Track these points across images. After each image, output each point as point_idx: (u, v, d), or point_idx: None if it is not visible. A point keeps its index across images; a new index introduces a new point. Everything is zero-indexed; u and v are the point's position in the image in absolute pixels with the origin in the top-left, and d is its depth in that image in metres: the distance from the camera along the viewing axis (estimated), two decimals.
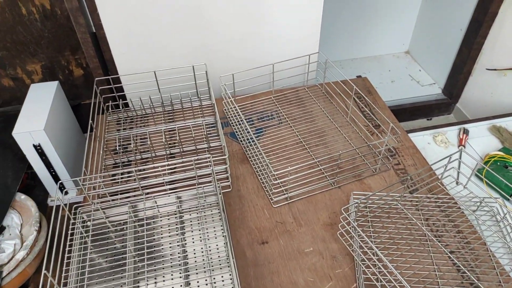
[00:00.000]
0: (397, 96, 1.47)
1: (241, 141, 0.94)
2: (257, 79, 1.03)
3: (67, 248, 0.68)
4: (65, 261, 0.66)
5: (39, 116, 0.84)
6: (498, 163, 0.88)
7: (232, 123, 0.99)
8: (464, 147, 0.97)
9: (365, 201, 0.76)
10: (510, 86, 1.22)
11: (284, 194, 0.81)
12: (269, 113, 1.02)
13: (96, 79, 0.99)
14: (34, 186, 0.97)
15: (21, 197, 0.84)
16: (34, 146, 0.83)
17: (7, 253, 0.73)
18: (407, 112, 1.45)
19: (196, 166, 0.76)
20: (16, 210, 0.82)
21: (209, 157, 0.75)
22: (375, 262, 0.64)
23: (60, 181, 0.74)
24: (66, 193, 0.93)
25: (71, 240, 0.70)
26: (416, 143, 0.96)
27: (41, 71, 1.38)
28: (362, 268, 0.66)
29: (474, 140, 1.00)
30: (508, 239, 0.72)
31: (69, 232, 0.71)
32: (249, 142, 0.92)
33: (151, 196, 0.75)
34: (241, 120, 0.99)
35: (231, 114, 1.00)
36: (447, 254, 0.69)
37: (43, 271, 0.57)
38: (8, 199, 0.82)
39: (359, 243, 0.66)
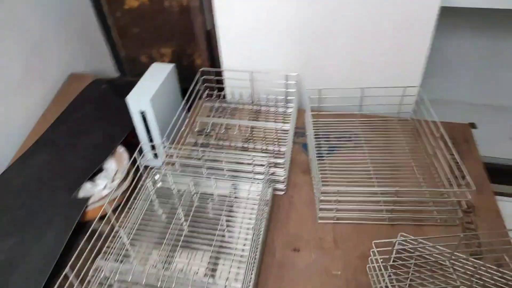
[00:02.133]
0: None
1: (311, 154, 0.96)
2: (347, 99, 1.04)
3: (133, 199, 0.80)
4: (127, 208, 0.78)
5: (150, 89, 0.99)
6: None
7: (308, 134, 1.02)
8: None
9: (406, 245, 0.71)
10: None
11: (333, 213, 0.81)
12: (348, 135, 1.02)
13: (202, 69, 1.13)
14: (137, 145, 1.16)
15: (120, 149, 1.01)
16: (140, 112, 0.99)
17: (98, 188, 0.90)
18: None
19: (255, 163, 0.82)
20: (115, 159, 0.99)
21: (265, 157, 0.79)
22: None
23: (140, 144, 0.87)
24: (156, 156, 1.07)
25: (138, 192, 0.83)
26: (505, 209, 0.85)
27: (170, 55, 1.61)
28: None
29: None
30: None
31: (141, 186, 0.83)
32: (319, 156, 0.94)
33: (211, 177, 0.83)
34: (317, 135, 1.01)
35: (309, 126, 1.03)
36: None
37: (105, 205, 0.69)
38: (111, 148, 1.00)
39: (383, 283, 0.63)
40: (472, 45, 1.29)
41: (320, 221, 0.80)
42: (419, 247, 0.72)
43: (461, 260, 0.71)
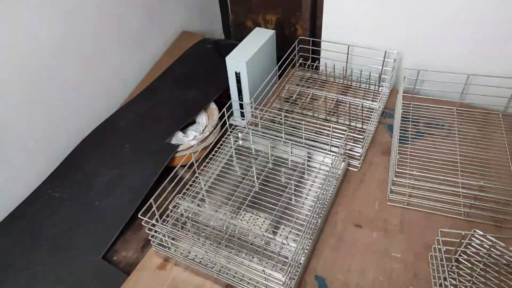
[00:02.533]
0: None
1: (394, 135, 0.93)
2: (448, 86, 0.97)
3: (215, 152, 0.89)
4: (210, 156, 0.87)
5: (248, 52, 1.05)
6: None
7: (395, 116, 0.98)
8: None
9: (479, 242, 0.67)
10: None
11: (405, 197, 0.79)
12: (441, 122, 0.96)
13: (300, 37, 1.14)
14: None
15: (212, 105, 1.10)
16: (235, 73, 1.06)
17: (188, 138, 1.01)
18: None
19: (334, 136, 0.83)
20: (206, 113, 1.09)
21: (346, 131, 0.80)
22: None
23: (230, 101, 0.94)
24: (243, 115, 1.15)
25: (220, 147, 0.91)
26: None
27: (275, 22, 1.65)
28: None
29: None
30: None
31: (224, 142, 0.91)
32: (402, 140, 0.91)
33: (288, 142, 0.87)
34: (407, 118, 0.97)
35: (398, 107, 0.99)
36: None
37: (188, 151, 0.78)
38: (204, 104, 1.10)
39: (441, 274, 0.61)
40: None
41: (389, 203, 0.79)
42: (492, 248, 0.67)
43: None
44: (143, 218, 0.65)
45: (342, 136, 0.83)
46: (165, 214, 0.75)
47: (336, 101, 1.04)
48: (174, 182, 0.74)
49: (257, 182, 0.82)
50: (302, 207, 0.79)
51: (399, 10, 0.99)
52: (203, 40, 1.34)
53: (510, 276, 0.65)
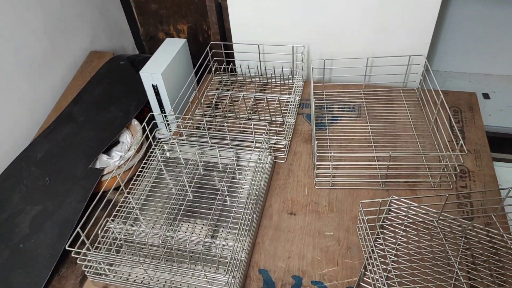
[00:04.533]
0: None
1: (312, 123, 0.99)
2: (352, 70, 1.06)
3: (142, 169, 0.87)
4: (138, 176, 0.85)
5: (162, 63, 1.04)
6: None
7: (311, 106, 1.04)
8: None
9: (397, 206, 0.75)
10: None
11: (329, 179, 0.85)
12: (352, 105, 1.04)
13: (211, 42, 1.16)
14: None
15: (134, 122, 1.08)
16: (153, 85, 1.05)
17: (114, 160, 0.97)
18: None
19: (256, 132, 0.86)
20: (130, 131, 1.07)
21: (265, 125, 0.84)
22: (379, 266, 0.65)
23: (150, 113, 0.93)
24: (166, 127, 1.14)
25: (147, 162, 0.89)
26: (502, 174, 0.86)
27: (187, 31, 1.65)
28: (365, 264, 0.67)
29: None
30: None
31: (150, 157, 0.90)
32: (320, 127, 0.97)
33: (215, 146, 0.89)
34: (321, 105, 1.04)
35: (311, 97, 1.06)
36: None
37: (114, 173, 0.76)
38: (125, 122, 1.07)
39: (369, 242, 0.67)
40: (486, 12, 1.24)
41: (317, 187, 0.84)
42: (409, 209, 0.75)
43: (450, 220, 0.73)
44: (72, 249, 0.62)
45: (263, 130, 0.87)
46: (97, 241, 0.72)
47: (255, 100, 1.07)
48: (103, 206, 0.72)
49: (189, 190, 0.82)
50: (237, 206, 0.81)
51: (300, 6, 1.05)
52: (115, 57, 1.30)
53: (427, 231, 0.73)
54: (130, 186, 0.83)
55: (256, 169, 0.79)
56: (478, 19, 1.26)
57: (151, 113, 0.92)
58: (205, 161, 0.90)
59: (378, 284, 0.62)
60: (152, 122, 0.91)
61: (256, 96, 1.08)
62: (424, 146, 0.90)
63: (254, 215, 0.75)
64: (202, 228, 0.78)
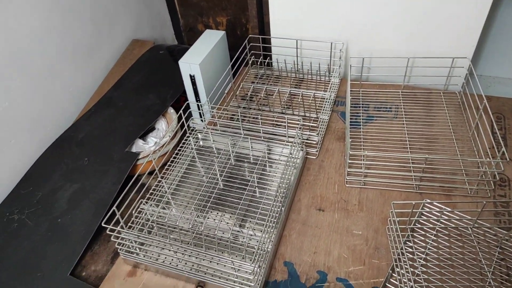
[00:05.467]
0: None
1: (346, 121, 0.98)
2: (392, 70, 1.03)
3: (176, 155, 0.89)
4: (170, 160, 0.87)
5: (200, 54, 1.06)
6: None
7: (346, 104, 1.03)
8: None
9: (430, 210, 0.73)
10: None
11: (361, 178, 0.84)
12: (388, 105, 1.02)
13: (250, 36, 1.17)
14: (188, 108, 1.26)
15: (170, 110, 1.10)
16: (190, 76, 1.07)
17: (149, 145, 1.01)
18: None
19: (289, 127, 0.86)
20: (165, 119, 1.10)
21: (299, 120, 0.84)
22: (408, 269, 0.64)
23: (186, 102, 0.95)
24: (201, 116, 1.16)
25: (181, 150, 0.92)
26: None
27: (226, 24, 1.67)
28: (394, 268, 0.66)
29: None
30: None
31: (182, 143, 0.92)
32: (354, 125, 0.96)
33: (248, 138, 0.90)
34: (357, 104, 1.03)
35: (348, 95, 1.04)
36: None
37: (150, 158, 0.79)
38: (162, 110, 1.10)
39: (398, 244, 0.66)
40: None
41: (347, 185, 0.84)
42: (442, 215, 0.73)
43: (485, 228, 0.71)
44: (107, 226, 0.65)
45: (297, 125, 0.87)
46: (131, 221, 0.75)
47: (290, 94, 1.07)
48: (137, 189, 0.74)
49: (220, 179, 0.83)
50: (266, 198, 0.82)
51: (340, 2, 1.04)
52: (155, 46, 1.34)
53: (459, 238, 0.71)
54: (163, 171, 0.86)
55: (287, 163, 0.79)
56: None
57: (187, 101, 0.94)
58: (237, 152, 0.91)
59: (405, 287, 0.61)
60: (188, 111, 0.93)
61: (291, 91, 1.08)
62: (462, 151, 0.87)
63: (282, 208, 0.75)
64: (230, 217, 0.79)
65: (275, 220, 0.71)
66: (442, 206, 0.73)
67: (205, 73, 1.04)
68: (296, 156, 0.86)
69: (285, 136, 0.90)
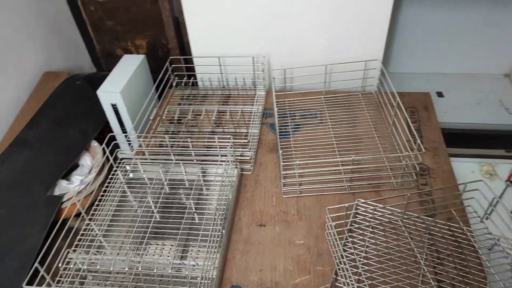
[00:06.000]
0: (478, 120, 1.33)
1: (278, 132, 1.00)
2: (312, 78, 1.07)
3: (104, 192, 0.84)
4: (98, 198, 0.82)
5: (120, 81, 1.02)
6: None
7: (274, 115, 1.05)
8: (511, 183, 0.87)
9: (363, 209, 0.76)
10: None
11: (296, 187, 0.85)
12: (313, 112, 1.06)
13: (171, 57, 1.15)
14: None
15: (94, 144, 1.04)
16: (112, 105, 1.02)
17: (74, 185, 0.93)
18: (485, 139, 1.31)
19: (221, 145, 0.85)
20: (90, 154, 1.03)
21: (229, 138, 0.83)
22: (349, 270, 0.66)
23: (110, 134, 0.90)
24: (129, 146, 1.11)
25: (109, 185, 0.86)
26: (459, 169, 0.90)
27: (146, 46, 1.63)
28: (336, 269, 0.68)
29: None
30: None
31: (110, 177, 0.87)
32: (284, 135, 0.98)
33: (180, 163, 0.87)
34: (284, 114, 1.05)
35: (274, 106, 1.06)
36: (434, 285, 0.66)
37: (74, 200, 0.73)
38: (84, 143, 1.03)
39: (338, 247, 0.68)
40: (435, 15, 1.31)
41: (284, 196, 0.85)
42: (375, 211, 0.76)
43: (414, 219, 0.75)
44: (30, 287, 0.59)
45: (227, 143, 0.86)
46: (59, 274, 0.68)
47: (218, 112, 1.07)
48: (63, 236, 0.68)
49: (155, 210, 0.80)
50: (206, 222, 0.80)
51: (257, 18, 1.06)
52: (70, 77, 1.26)
53: (393, 231, 0.74)
54: (92, 212, 0.80)
55: (223, 183, 0.78)
56: (428, 21, 1.32)
57: (111, 133, 0.89)
58: (170, 179, 0.88)
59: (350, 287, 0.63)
60: (113, 143, 0.88)
61: (218, 109, 1.08)
62: (385, 147, 0.93)
63: (223, 231, 0.74)
64: (171, 248, 0.76)
65: (217, 244, 0.70)
66: (374, 204, 0.76)
67: (127, 100, 1.00)
68: (231, 175, 0.86)
69: (218, 156, 0.89)
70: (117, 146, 1.04)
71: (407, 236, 0.73)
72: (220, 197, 0.76)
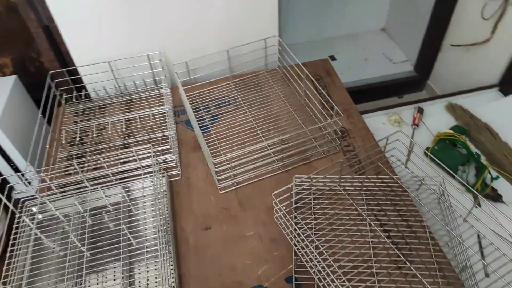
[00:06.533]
0: (370, 75, 1.45)
1: (195, 128, 0.94)
2: (216, 65, 1.03)
3: (11, 242, 0.70)
4: (8, 254, 0.68)
5: None
6: (447, 142, 0.88)
7: (187, 111, 0.99)
8: (417, 126, 0.96)
9: (302, 184, 0.77)
10: (473, 62, 1.20)
11: (232, 180, 0.82)
12: (226, 99, 1.02)
13: (50, 72, 1.00)
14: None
15: None
16: None
17: None
18: (378, 91, 1.44)
19: (140, 157, 0.77)
20: None
21: (150, 147, 0.76)
22: (307, 244, 0.66)
23: (1, 177, 0.75)
24: (28, 184, 0.95)
25: (17, 234, 0.72)
26: (371, 123, 0.96)
27: (11, 64, 1.39)
28: (295, 249, 0.67)
29: (430, 118, 1.00)
30: (447, 218, 0.73)
31: (15, 226, 0.73)
32: (203, 129, 0.93)
33: (97, 188, 0.77)
34: (197, 108, 1.00)
35: (185, 102, 1.00)
36: (383, 234, 0.70)
37: None
38: None
39: (291, 227, 0.67)
40: None
41: (222, 192, 0.81)
42: (312, 185, 0.78)
43: (349, 180, 0.79)
44: None
45: (148, 153, 0.79)
46: None
47: (125, 122, 0.97)
48: None
49: (85, 248, 0.69)
50: (147, 245, 0.72)
51: (143, 13, 0.97)
52: None
53: (336, 197, 0.77)
54: (4, 274, 0.66)
55: (154, 196, 0.71)
56: None
57: (2, 177, 0.74)
58: (91, 209, 0.77)
59: (312, 260, 0.63)
60: (8, 186, 0.73)
61: (125, 118, 0.97)
62: (303, 119, 0.95)
63: (169, 247, 0.67)
64: (115, 280, 0.67)
65: (165, 264, 0.63)
66: (311, 177, 0.78)
67: (8, 132, 0.85)
68: (160, 185, 0.78)
69: (140, 169, 0.80)
70: (12, 189, 0.88)
71: (348, 198, 0.75)
72: (154, 212, 0.69)
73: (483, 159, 0.88)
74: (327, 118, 0.91)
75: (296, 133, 0.85)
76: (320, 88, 1.04)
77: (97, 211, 0.78)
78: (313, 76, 1.07)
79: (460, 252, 0.68)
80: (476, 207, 0.64)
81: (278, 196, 0.67)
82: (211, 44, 1.07)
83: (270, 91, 1.04)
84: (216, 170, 0.79)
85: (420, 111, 1.00)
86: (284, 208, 0.68)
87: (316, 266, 0.62)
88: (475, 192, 0.63)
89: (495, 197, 0.79)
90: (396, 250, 0.68)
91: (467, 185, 0.71)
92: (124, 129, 0.94)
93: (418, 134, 0.96)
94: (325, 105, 0.98)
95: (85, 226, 0.74)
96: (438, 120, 0.99)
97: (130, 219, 0.76)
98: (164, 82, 1.04)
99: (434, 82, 1.43)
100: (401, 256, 0.67)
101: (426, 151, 0.87)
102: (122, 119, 0.94)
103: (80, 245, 0.69)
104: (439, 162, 0.74)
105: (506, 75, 1.04)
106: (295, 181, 0.76)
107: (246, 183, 0.82)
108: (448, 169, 0.81)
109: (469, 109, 1.00)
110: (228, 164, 0.81)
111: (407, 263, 0.66)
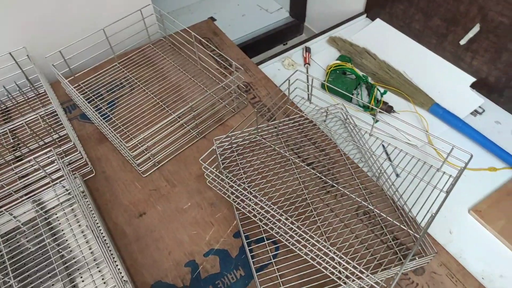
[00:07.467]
0: (251, 29, 1.48)
1: (94, 120, 0.87)
2: (95, 48, 0.94)
3: None
4: None
5: None
6: (338, 71, 0.96)
7: (79, 104, 0.91)
8: (309, 64, 1.03)
9: (223, 144, 0.78)
10: None
11: (151, 160, 0.79)
12: (118, 82, 0.96)
13: None
14: None
15: None
16: None
17: None
18: (264, 43, 1.48)
19: (43, 166, 0.69)
20: None
21: (51, 150, 0.68)
22: (247, 196, 0.68)
23: None
24: None
25: None
26: (269, 72, 0.99)
27: None
28: (235, 205, 0.69)
29: (317, 55, 1.08)
30: (355, 138, 0.82)
31: None
32: (104, 119, 0.86)
33: (1, 211, 0.67)
34: (89, 98, 0.92)
35: (74, 94, 0.91)
36: (307, 168, 0.76)
37: None
38: None
39: (226, 185, 0.68)
40: None
41: (145, 175, 0.78)
42: (233, 140, 0.79)
43: (264, 128, 0.82)
44: None
45: (51, 158, 0.71)
46: None
47: (10, 132, 0.84)
48: None
49: (13, 281, 0.61)
50: (82, 253, 0.67)
51: None
52: None
53: (257, 147, 0.79)
54: None
55: (72, 202, 0.65)
56: None
57: None
58: (1, 235, 0.68)
59: (254, 209, 0.66)
60: None
61: (9, 129, 0.85)
62: (205, 83, 0.94)
63: (106, 245, 0.64)
64: None
65: (109, 263, 0.60)
66: (229, 135, 0.79)
67: None
68: (75, 187, 0.72)
69: (47, 177, 0.72)
70: None
71: (269, 144, 0.79)
72: (77, 217, 0.63)
73: (370, 80, 0.99)
74: (227, 76, 0.92)
75: (202, 98, 0.84)
76: (213, 48, 1.03)
77: (11, 235, 0.68)
78: (202, 38, 1.06)
79: (373, 163, 0.77)
80: (376, 121, 0.73)
81: (204, 161, 0.68)
82: (84, 26, 0.97)
83: (162, 63, 1.00)
84: (133, 154, 0.75)
85: (308, 50, 1.06)
86: (212, 172, 0.69)
87: (259, 212, 0.65)
88: (374, 107, 0.71)
89: (388, 109, 0.90)
90: (322, 177, 0.74)
91: (365, 103, 0.79)
92: (12, 140, 0.82)
93: (311, 71, 1.03)
94: (223, 63, 0.98)
95: (3, 254, 0.65)
96: (324, 54, 1.07)
97: (53, 231, 0.69)
98: (39, 80, 0.92)
99: (311, 23, 1.52)
100: (328, 181, 0.74)
101: (324, 83, 0.94)
102: (5, 131, 0.82)
103: (2, 277, 0.61)
104: (336, 90, 0.82)
105: (369, 2, 1.16)
106: (216, 143, 0.76)
107: (167, 159, 0.80)
108: (345, 94, 0.90)
109: (348, 39, 1.10)
110: (143, 145, 0.78)
111: (334, 185, 0.73)
